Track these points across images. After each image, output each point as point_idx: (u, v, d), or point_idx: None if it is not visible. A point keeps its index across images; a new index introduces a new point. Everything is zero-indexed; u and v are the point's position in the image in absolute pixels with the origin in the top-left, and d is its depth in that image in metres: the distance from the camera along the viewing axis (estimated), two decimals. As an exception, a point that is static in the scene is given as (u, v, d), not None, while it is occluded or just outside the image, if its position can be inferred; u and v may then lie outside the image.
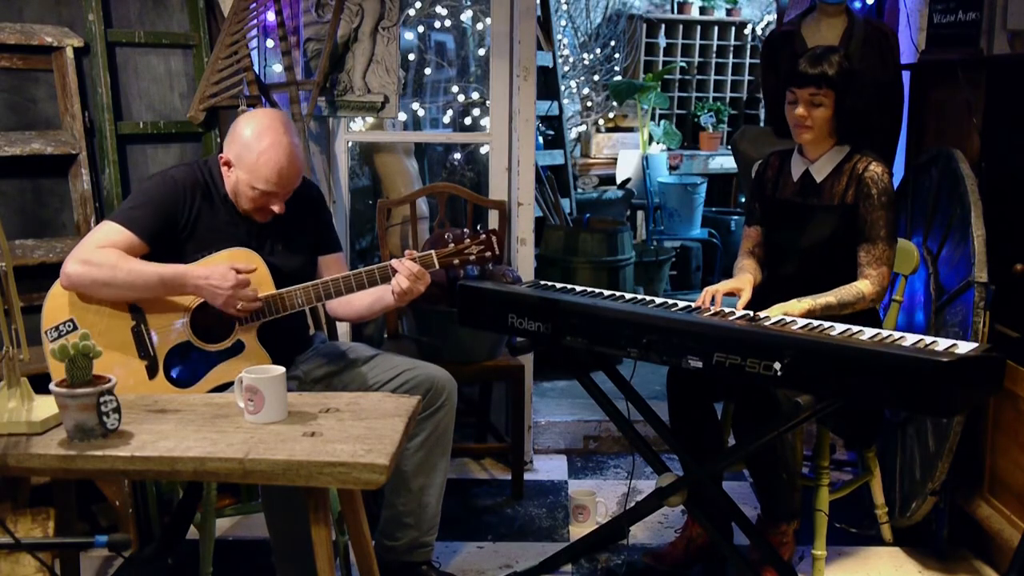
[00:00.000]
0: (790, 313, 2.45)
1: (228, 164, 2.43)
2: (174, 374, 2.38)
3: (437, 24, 4.82)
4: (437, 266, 2.41)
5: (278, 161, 2.36)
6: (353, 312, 2.60)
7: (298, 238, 2.57)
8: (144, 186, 2.46)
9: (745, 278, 2.68)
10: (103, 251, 2.29)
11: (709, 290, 2.56)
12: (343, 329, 3.44)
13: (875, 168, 2.59)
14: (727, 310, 2.44)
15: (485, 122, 4.41)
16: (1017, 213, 2.88)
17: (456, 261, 2.42)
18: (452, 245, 2.42)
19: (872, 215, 2.58)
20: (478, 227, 2.48)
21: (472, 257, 2.42)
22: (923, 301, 2.99)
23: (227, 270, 2.30)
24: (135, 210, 2.37)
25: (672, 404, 2.77)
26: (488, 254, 2.43)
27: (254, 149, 2.36)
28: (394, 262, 2.38)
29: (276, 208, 2.42)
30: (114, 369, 2.31)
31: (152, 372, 2.37)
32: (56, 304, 2.36)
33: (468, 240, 2.42)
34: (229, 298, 2.30)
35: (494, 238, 2.43)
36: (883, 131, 3.41)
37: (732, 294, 2.60)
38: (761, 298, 2.65)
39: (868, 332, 2.25)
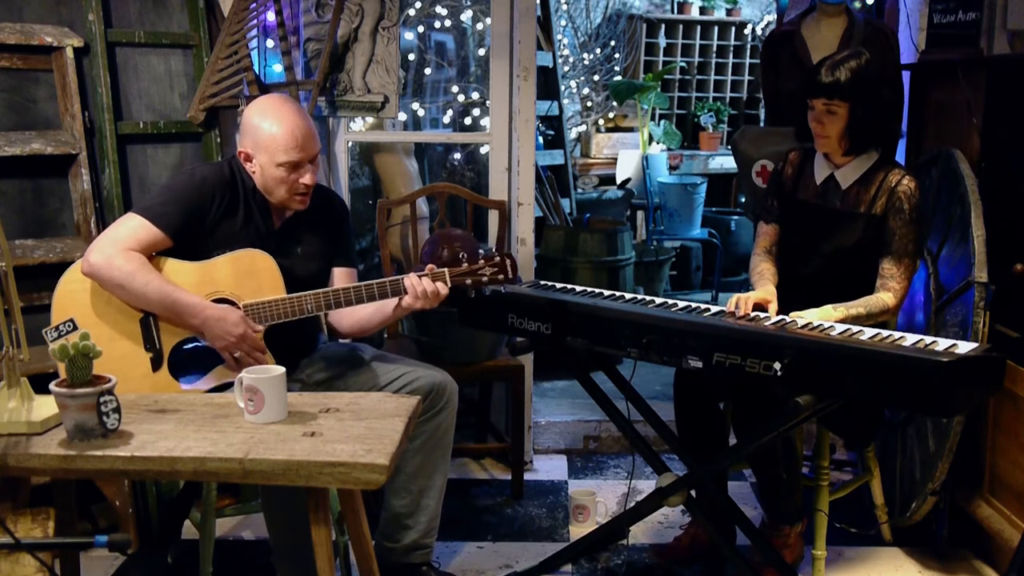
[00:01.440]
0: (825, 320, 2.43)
1: (248, 157, 2.45)
2: (178, 368, 2.39)
3: (437, 24, 4.82)
4: (449, 286, 2.40)
5: (290, 126, 2.38)
6: (355, 322, 2.58)
7: (316, 245, 2.57)
8: (173, 182, 2.47)
9: (770, 289, 2.61)
10: (127, 255, 2.30)
11: (739, 297, 2.49)
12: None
13: (908, 183, 2.56)
14: (754, 314, 2.43)
15: (485, 122, 4.41)
16: (1017, 213, 2.88)
17: (468, 281, 2.41)
18: (466, 265, 2.41)
19: (902, 230, 2.55)
20: (493, 249, 2.47)
21: (485, 279, 2.41)
22: (923, 301, 2.99)
23: (238, 319, 2.32)
24: (163, 206, 2.38)
25: (678, 404, 2.77)
26: (501, 277, 2.42)
27: (263, 126, 2.39)
28: (405, 280, 2.38)
29: (307, 180, 2.42)
30: (119, 359, 2.33)
31: (157, 364, 2.38)
32: (68, 289, 2.36)
33: (483, 261, 2.41)
34: (231, 344, 2.32)
35: (508, 261, 2.42)
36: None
37: (761, 306, 2.51)
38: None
39: (868, 332, 2.25)
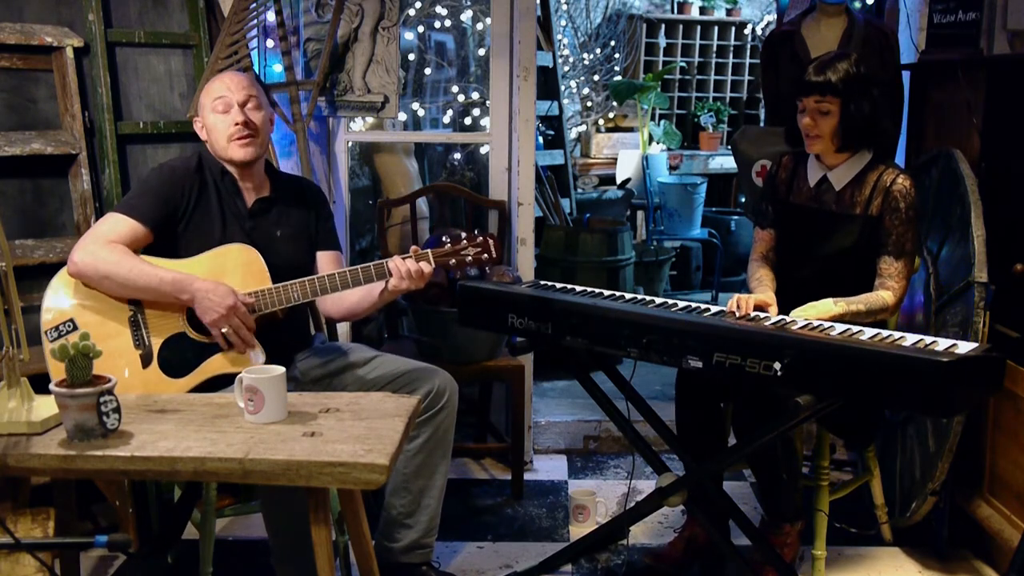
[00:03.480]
0: (823, 316, 2.43)
1: (200, 124, 2.54)
2: (168, 364, 2.40)
3: (437, 24, 4.82)
4: (432, 265, 2.42)
5: (220, 76, 2.54)
6: (343, 308, 2.61)
7: (296, 232, 2.60)
8: (144, 177, 2.53)
9: (770, 295, 2.60)
10: (110, 246, 2.34)
11: (740, 297, 2.48)
12: (343, 329, 3.44)
13: (903, 181, 2.55)
14: (754, 314, 2.43)
15: (485, 122, 4.41)
16: (1017, 213, 2.88)
17: (452, 261, 2.43)
18: (449, 245, 2.43)
19: (899, 229, 2.55)
20: (475, 230, 2.50)
21: (468, 259, 2.43)
22: (923, 301, 2.99)
23: (229, 291, 2.33)
24: (138, 198, 2.44)
25: (680, 403, 2.76)
26: (484, 256, 2.44)
27: (204, 88, 2.56)
28: (389, 262, 2.40)
29: (238, 118, 2.45)
30: (109, 357, 2.33)
31: (146, 361, 2.39)
32: (56, 293, 2.37)
33: (465, 241, 2.43)
34: (221, 317, 2.33)
35: (491, 241, 2.44)
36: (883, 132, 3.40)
37: (761, 308, 2.50)
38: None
39: (868, 332, 2.25)
